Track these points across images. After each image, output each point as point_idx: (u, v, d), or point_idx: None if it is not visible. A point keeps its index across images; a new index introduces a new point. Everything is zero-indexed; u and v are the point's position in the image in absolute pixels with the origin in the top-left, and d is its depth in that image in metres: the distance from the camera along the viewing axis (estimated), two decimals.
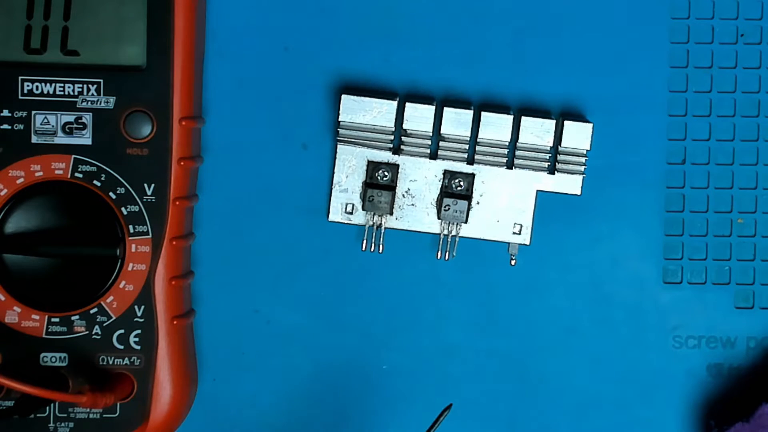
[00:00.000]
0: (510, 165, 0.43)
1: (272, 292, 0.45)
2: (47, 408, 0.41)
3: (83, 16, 0.41)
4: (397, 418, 0.45)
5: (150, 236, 0.41)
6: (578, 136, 0.43)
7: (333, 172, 0.43)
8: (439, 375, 0.44)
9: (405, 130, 0.43)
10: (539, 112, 0.44)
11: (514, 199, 0.43)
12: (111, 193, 0.41)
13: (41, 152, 0.41)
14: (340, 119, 0.43)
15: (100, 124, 0.41)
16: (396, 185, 0.43)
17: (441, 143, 0.43)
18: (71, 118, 0.41)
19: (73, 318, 0.41)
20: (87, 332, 0.42)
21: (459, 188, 0.43)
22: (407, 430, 0.44)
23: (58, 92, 0.41)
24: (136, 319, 0.42)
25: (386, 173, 0.43)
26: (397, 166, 0.43)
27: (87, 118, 0.41)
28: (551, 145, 0.43)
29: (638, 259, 0.45)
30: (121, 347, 0.42)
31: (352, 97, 0.43)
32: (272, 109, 0.44)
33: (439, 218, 0.43)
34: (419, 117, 0.43)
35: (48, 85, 0.41)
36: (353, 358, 0.45)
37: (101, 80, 0.41)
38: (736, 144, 0.44)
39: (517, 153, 0.43)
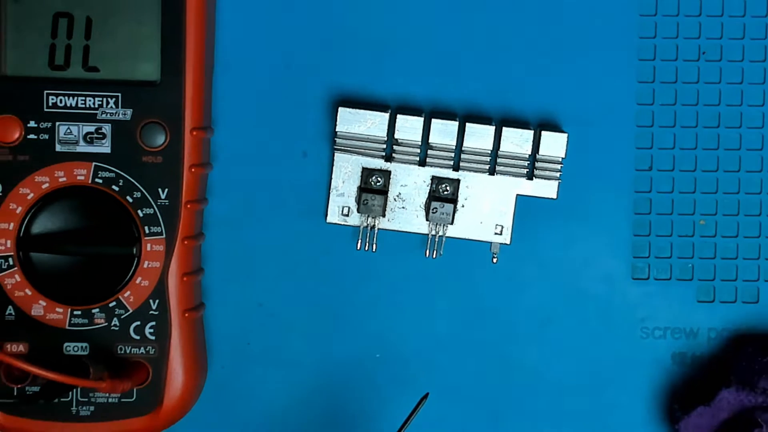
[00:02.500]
0: (492, 171, 0.43)
1: (275, 287, 0.45)
2: (70, 393, 0.41)
3: (103, 35, 0.41)
4: (389, 403, 0.45)
5: (164, 236, 0.42)
6: (554, 145, 0.43)
7: (330, 178, 0.44)
8: (427, 363, 0.45)
9: (396, 139, 0.43)
10: (519, 123, 0.44)
11: (496, 202, 0.44)
12: (128, 197, 0.41)
13: (64, 160, 0.41)
14: (337, 130, 0.43)
15: (118, 134, 0.41)
16: (388, 190, 0.43)
17: (429, 151, 0.43)
18: (92, 129, 0.41)
19: (93, 311, 0.42)
20: (106, 324, 0.42)
21: (445, 193, 0.43)
22: (398, 414, 0.43)
23: (80, 105, 0.41)
24: (151, 312, 0.42)
25: (379, 179, 0.43)
26: (389, 172, 0.43)
27: (106, 128, 0.41)
28: (530, 153, 0.43)
29: (609, 257, 0.45)
30: (138, 338, 0.42)
31: (348, 109, 0.43)
32: (275, 121, 0.44)
33: (427, 220, 0.43)
34: (409, 128, 0.43)
35: (71, 98, 0.41)
36: (349, 348, 0.45)
37: (119, 94, 0.41)
38: (699, 152, 0.44)
39: (499, 160, 0.43)
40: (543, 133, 0.43)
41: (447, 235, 0.44)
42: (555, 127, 0.44)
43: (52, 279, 0.41)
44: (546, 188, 0.43)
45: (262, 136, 0.44)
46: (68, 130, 0.41)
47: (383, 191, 0.43)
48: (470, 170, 0.43)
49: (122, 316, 0.42)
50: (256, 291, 0.45)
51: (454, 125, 0.43)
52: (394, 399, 0.44)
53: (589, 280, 0.45)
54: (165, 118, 0.41)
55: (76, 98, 0.41)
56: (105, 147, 0.41)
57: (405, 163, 0.43)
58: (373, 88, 0.44)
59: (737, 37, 0.44)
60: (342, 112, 0.43)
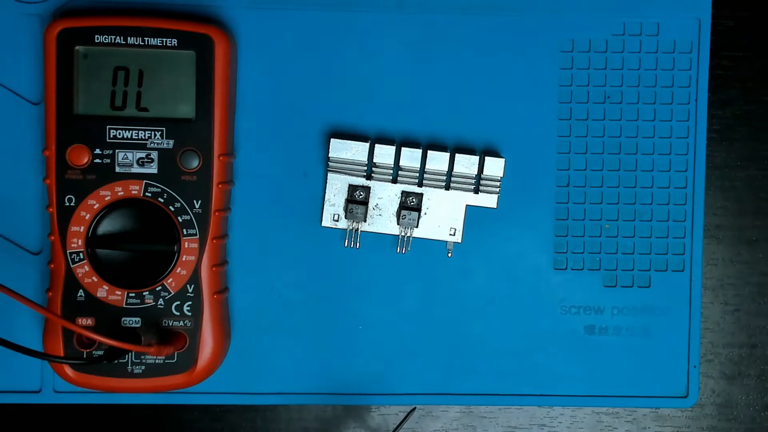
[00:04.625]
0: (447, 187, 0.45)
1: (282, 275, 0.46)
2: (126, 356, 0.43)
3: (151, 84, 0.43)
4: (367, 363, 0.46)
5: (198, 237, 0.43)
6: (495, 167, 0.45)
7: (325, 192, 0.45)
8: (398, 333, 0.46)
9: (375, 163, 0.45)
10: (468, 150, 0.46)
11: (451, 211, 0.45)
12: (171, 207, 0.43)
13: (122, 178, 0.43)
14: (329, 155, 0.45)
15: (163, 159, 0.43)
16: (368, 201, 0.45)
17: (400, 172, 0.45)
18: (143, 155, 0.43)
19: (144, 293, 0.43)
20: (154, 303, 0.43)
21: (412, 203, 0.45)
22: (373, 371, 0.45)
23: (134, 137, 0.43)
24: (188, 294, 0.43)
25: (362, 193, 0.45)
26: (369, 188, 0.45)
27: (154, 155, 0.43)
28: (476, 173, 0.45)
29: (536, 252, 0.46)
30: (178, 314, 0.43)
31: (338, 140, 0.45)
32: (282, 148, 0.45)
33: (398, 224, 0.45)
34: (385, 154, 0.45)
35: (127, 131, 0.43)
36: (338, 322, 0.46)
37: (164, 128, 0.43)
38: (604, 173, 0.46)
39: (453, 179, 0.45)
40: (486, 158, 0.45)
41: (413, 235, 0.45)
42: (495, 154, 0.45)
43: (113, 269, 0.43)
44: (488, 200, 0.45)
45: (273, 160, 0.45)
46: (125, 156, 0.43)
47: (365, 202, 0.45)
48: (431, 186, 0.45)
49: (166, 297, 0.43)
50: (269, 278, 0.46)
51: (418, 152, 0.45)
52: (372, 360, 0.46)
53: (521, 270, 0.46)
54: (199, 147, 0.43)
55: (131, 131, 0.43)
56: (153, 169, 0.43)
57: (381, 181, 0.45)
58: (357, 124, 0.45)
59: (633, 85, 0.46)
60: (333, 142, 0.45)
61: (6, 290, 0.38)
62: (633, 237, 0.47)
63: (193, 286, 0.44)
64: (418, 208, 0.45)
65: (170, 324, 0.44)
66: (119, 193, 0.43)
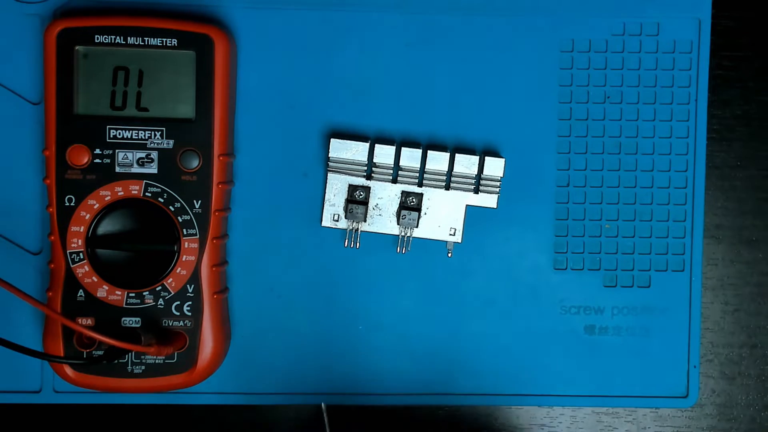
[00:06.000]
0: (447, 187, 0.45)
1: (282, 275, 0.46)
2: (126, 356, 0.43)
3: (151, 84, 0.43)
4: (368, 363, 0.46)
5: (198, 237, 0.43)
6: (495, 167, 0.45)
7: (324, 192, 0.45)
8: (398, 333, 0.46)
9: (375, 163, 0.45)
10: (468, 150, 0.46)
11: (450, 211, 0.45)
12: (171, 207, 0.43)
13: (122, 178, 0.43)
14: (329, 155, 0.45)
15: (163, 159, 0.43)
16: (368, 201, 0.45)
17: (400, 172, 0.45)
18: (143, 155, 0.43)
19: (144, 293, 0.43)
20: (154, 303, 0.43)
21: (412, 203, 0.45)
22: (373, 371, 0.46)
23: (134, 137, 0.43)
24: (188, 294, 0.43)
25: (362, 193, 0.45)
26: (369, 188, 0.45)
27: (154, 155, 0.43)
28: (476, 173, 0.45)
29: (536, 252, 0.46)
30: (178, 314, 0.44)
31: (338, 140, 0.45)
32: (283, 148, 0.46)
33: (398, 224, 0.45)
34: (385, 154, 0.45)
35: (127, 131, 0.43)
36: (338, 322, 0.46)
37: (164, 128, 0.43)
38: (604, 173, 0.46)
39: (453, 179, 0.45)
40: (486, 158, 0.45)
41: (413, 235, 0.45)
42: (495, 154, 0.46)
43: (113, 269, 0.43)
44: (488, 200, 0.45)
45: (273, 160, 0.46)
46: (125, 156, 0.43)
47: (365, 202, 0.45)
48: (431, 186, 0.45)
49: (166, 297, 0.43)
50: (268, 278, 0.46)
51: (418, 152, 0.45)
52: (372, 361, 0.46)
53: (521, 270, 0.46)
54: (199, 147, 0.43)
55: (131, 131, 0.43)
56: (153, 169, 0.43)
57: (381, 181, 0.45)
58: (357, 124, 0.46)
59: (633, 85, 0.46)
60: (333, 142, 0.45)
61: (7, 285, 0.38)
62: (633, 237, 0.47)
63: (193, 286, 0.44)
64: (418, 208, 0.45)
65: (170, 324, 0.44)
66: (119, 193, 0.43)
